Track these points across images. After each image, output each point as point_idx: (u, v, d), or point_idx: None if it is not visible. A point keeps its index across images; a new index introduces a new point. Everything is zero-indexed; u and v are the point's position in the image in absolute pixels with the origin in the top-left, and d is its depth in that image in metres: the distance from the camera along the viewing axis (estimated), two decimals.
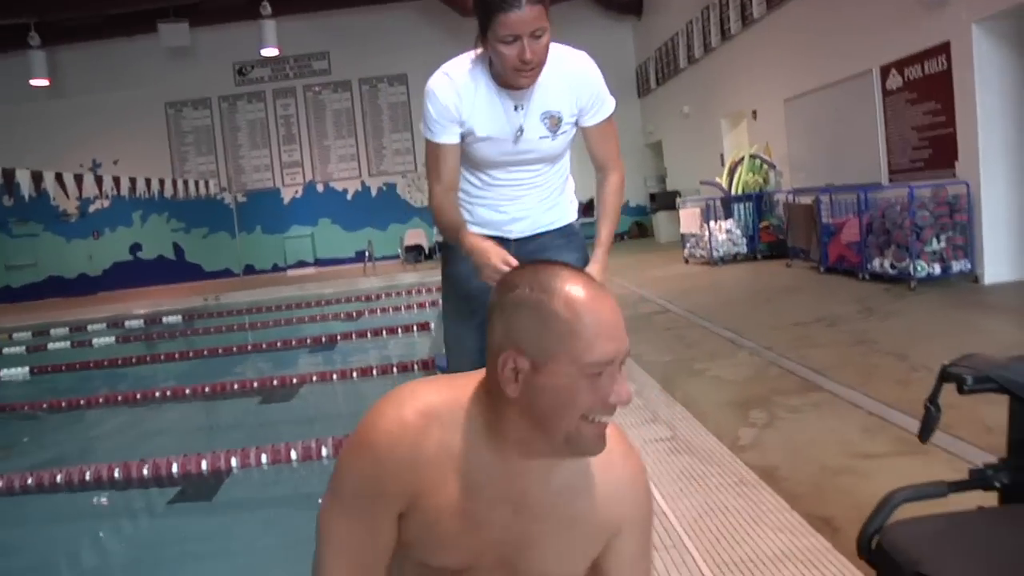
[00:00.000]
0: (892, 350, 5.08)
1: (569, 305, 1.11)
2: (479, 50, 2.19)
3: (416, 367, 6.28)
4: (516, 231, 2.41)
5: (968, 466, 1.39)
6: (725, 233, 11.51)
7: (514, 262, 2.10)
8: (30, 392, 7.09)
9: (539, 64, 2.07)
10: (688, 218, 12.19)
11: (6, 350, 9.69)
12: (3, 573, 3.60)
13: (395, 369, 6.36)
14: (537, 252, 2.34)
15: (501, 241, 2.32)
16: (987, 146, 7.14)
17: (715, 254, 11.39)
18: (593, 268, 2.33)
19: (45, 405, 6.27)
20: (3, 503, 4.16)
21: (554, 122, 2.24)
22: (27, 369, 7.90)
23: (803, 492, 2.98)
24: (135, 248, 19.49)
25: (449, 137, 2.25)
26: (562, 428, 1.15)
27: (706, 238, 11.60)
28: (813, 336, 5.86)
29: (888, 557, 1.17)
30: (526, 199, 2.39)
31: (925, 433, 1.33)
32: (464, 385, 1.26)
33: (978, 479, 1.29)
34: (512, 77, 2.10)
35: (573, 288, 1.13)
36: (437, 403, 1.24)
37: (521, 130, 2.22)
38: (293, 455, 4.31)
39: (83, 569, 3.64)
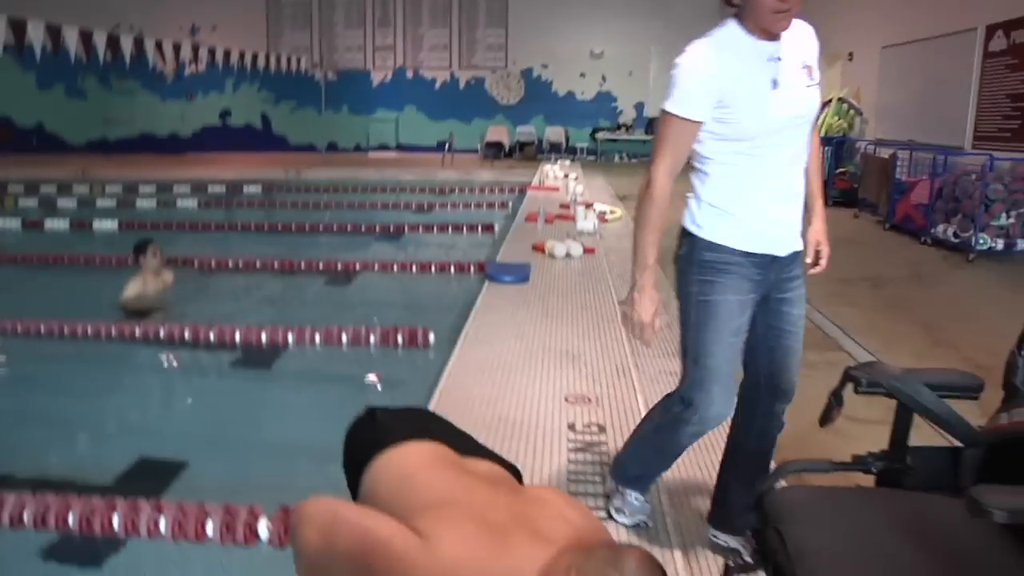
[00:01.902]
0: (923, 320, 5.21)
1: None
2: (723, 24, 2.16)
3: (472, 269, 6.63)
4: (783, 244, 2.23)
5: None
6: None
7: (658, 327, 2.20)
8: (118, 246, 7.61)
9: (796, 5, 2.05)
10: None
11: (99, 202, 10.37)
12: (84, 410, 4.15)
13: (452, 268, 6.72)
14: (786, 282, 2.27)
15: (763, 261, 2.21)
16: None
17: None
18: (818, 224, 2.40)
19: (131, 261, 6.78)
20: (90, 346, 4.72)
21: (810, 71, 2.20)
22: (116, 223, 8.50)
23: (787, 444, 3.24)
24: (225, 114, 20.08)
25: (700, 112, 2.10)
26: None
27: None
28: (853, 294, 6.00)
29: (764, 512, 1.47)
30: (795, 184, 2.25)
31: (825, 420, 1.59)
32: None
33: (858, 463, 1.57)
34: (771, 22, 2.08)
35: None
36: None
37: (777, 82, 2.12)
38: (344, 338, 4.74)
39: (154, 415, 4.17)
